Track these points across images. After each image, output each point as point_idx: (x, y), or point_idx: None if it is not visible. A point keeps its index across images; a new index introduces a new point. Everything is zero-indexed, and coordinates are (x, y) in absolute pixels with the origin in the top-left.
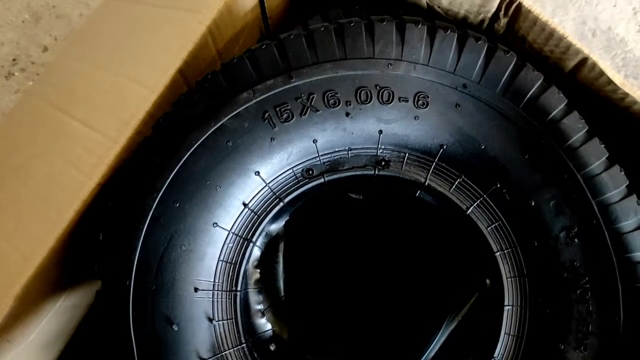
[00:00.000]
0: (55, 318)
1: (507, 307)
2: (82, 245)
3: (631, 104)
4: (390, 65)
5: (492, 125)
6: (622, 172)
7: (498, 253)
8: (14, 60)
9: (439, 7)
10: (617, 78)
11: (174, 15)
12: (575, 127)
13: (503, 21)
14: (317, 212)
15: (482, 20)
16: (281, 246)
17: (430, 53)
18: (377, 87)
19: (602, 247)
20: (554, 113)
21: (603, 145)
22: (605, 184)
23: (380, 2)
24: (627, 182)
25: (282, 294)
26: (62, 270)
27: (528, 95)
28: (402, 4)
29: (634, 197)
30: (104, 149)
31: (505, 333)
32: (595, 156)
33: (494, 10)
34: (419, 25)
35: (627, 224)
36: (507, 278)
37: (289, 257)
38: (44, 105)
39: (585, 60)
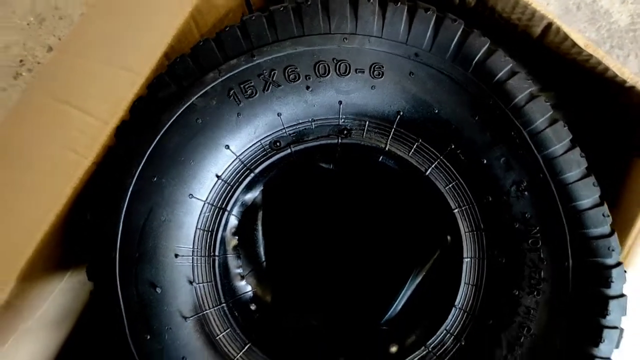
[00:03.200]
0: (62, 294)
1: (466, 260)
2: (80, 222)
3: (596, 64)
4: (346, 39)
5: (444, 90)
6: (566, 127)
7: (456, 210)
8: (21, 61)
9: None
10: (581, 40)
11: (159, 3)
12: (520, 87)
13: None
14: (291, 181)
15: None
16: (259, 215)
17: (382, 26)
18: (334, 60)
19: (550, 198)
20: (499, 75)
21: (548, 103)
22: (550, 139)
23: None
24: (571, 137)
25: (263, 259)
26: (64, 246)
27: (475, 60)
28: None
29: (577, 150)
30: (96, 130)
31: (465, 283)
32: (540, 113)
33: None
34: (371, 0)
35: (571, 175)
36: (465, 232)
37: (268, 224)
38: (44, 97)
39: (550, 25)
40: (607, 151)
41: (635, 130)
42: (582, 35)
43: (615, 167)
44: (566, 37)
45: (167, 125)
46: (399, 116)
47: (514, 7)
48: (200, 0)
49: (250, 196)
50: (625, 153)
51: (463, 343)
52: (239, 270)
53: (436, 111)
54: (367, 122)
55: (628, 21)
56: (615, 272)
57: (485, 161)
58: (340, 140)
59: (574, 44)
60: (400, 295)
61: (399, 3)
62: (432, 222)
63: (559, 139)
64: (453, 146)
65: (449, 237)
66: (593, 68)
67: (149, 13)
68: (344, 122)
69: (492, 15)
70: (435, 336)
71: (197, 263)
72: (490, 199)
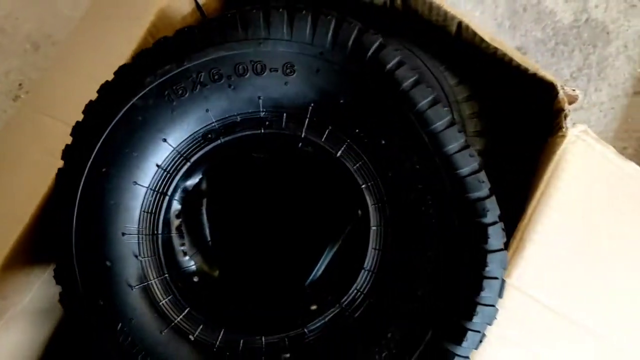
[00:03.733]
0: (46, 286)
1: (372, 228)
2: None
3: (502, 55)
4: (261, 43)
5: (346, 82)
6: (446, 109)
7: (364, 186)
8: (19, 85)
9: None
10: (486, 35)
11: (122, 23)
12: (406, 76)
13: (398, 0)
14: (229, 171)
15: (385, 2)
16: (204, 201)
17: (291, 30)
18: (252, 62)
19: (435, 169)
20: (389, 66)
21: (430, 89)
22: (431, 118)
23: None
24: (449, 116)
25: (209, 239)
26: (43, 239)
27: (369, 55)
28: None
29: (455, 127)
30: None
31: (372, 248)
32: (422, 97)
33: None
34: (280, 10)
35: (451, 148)
36: (371, 205)
37: (212, 209)
38: (33, 112)
39: (461, 23)
40: (526, 136)
41: (543, 114)
42: (489, 31)
43: (534, 150)
44: (474, 33)
45: (113, 123)
46: (310, 107)
47: (430, 10)
48: (156, 18)
49: (190, 183)
50: (541, 136)
51: (372, 300)
52: (183, 248)
53: (341, 101)
54: (285, 114)
55: (571, 19)
56: (490, 230)
57: (383, 142)
58: (263, 131)
59: (482, 39)
60: (320, 263)
61: (304, 11)
62: (345, 198)
63: (439, 118)
64: (357, 130)
65: (359, 211)
66: (501, 59)
67: (114, 32)
68: (264, 114)
69: (416, 18)
70: (347, 295)
71: (142, 240)
72: (390, 175)
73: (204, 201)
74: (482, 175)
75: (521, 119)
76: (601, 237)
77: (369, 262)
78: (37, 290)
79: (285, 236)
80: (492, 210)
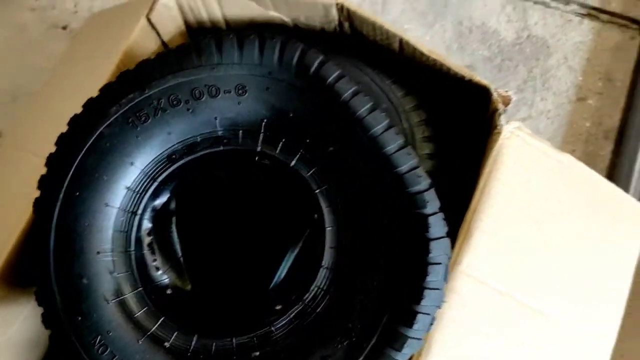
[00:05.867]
0: (34, 316)
1: (328, 228)
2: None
3: (441, 66)
4: (214, 68)
5: (293, 97)
6: (383, 114)
7: (317, 191)
8: None
9: (300, 24)
10: (424, 49)
11: (92, 64)
12: (345, 88)
13: (346, 25)
14: (194, 190)
15: (334, 27)
16: (173, 219)
17: (241, 55)
18: (206, 86)
19: (378, 168)
20: (329, 80)
21: (368, 97)
22: (371, 123)
23: (259, 26)
24: (387, 120)
25: (180, 255)
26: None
27: (312, 71)
28: (270, 26)
29: (393, 129)
30: None
31: (329, 247)
32: (361, 105)
33: (336, 18)
34: (231, 36)
35: (390, 148)
36: (325, 208)
37: (181, 226)
38: (12, 150)
39: (401, 39)
40: (469, 136)
41: (481, 115)
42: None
43: (477, 149)
44: (414, 47)
45: (83, 151)
46: (263, 123)
47: (374, 29)
48: (124, 56)
49: (158, 202)
50: (481, 135)
51: (332, 295)
52: (155, 263)
53: (291, 115)
54: (241, 131)
55: (514, 36)
56: (431, 219)
57: (331, 149)
58: (222, 148)
59: (422, 53)
60: (282, 266)
61: (252, 36)
62: (302, 204)
63: (377, 122)
64: (308, 140)
65: (315, 215)
66: (440, 69)
67: (85, 73)
68: (222, 133)
69: (364, 39)
70: (309, 292)
71: (116, 258)
72: (340, 178)
73: (173, 219)
74: (420, 170)
75: (463, 122)
76: (542, 223)
77: (326, 260)
78: (24, 321)
79: (250, 245)
80: (432, 202)
